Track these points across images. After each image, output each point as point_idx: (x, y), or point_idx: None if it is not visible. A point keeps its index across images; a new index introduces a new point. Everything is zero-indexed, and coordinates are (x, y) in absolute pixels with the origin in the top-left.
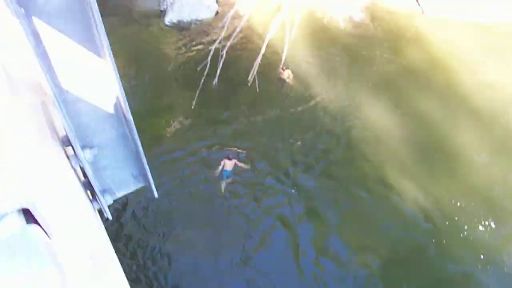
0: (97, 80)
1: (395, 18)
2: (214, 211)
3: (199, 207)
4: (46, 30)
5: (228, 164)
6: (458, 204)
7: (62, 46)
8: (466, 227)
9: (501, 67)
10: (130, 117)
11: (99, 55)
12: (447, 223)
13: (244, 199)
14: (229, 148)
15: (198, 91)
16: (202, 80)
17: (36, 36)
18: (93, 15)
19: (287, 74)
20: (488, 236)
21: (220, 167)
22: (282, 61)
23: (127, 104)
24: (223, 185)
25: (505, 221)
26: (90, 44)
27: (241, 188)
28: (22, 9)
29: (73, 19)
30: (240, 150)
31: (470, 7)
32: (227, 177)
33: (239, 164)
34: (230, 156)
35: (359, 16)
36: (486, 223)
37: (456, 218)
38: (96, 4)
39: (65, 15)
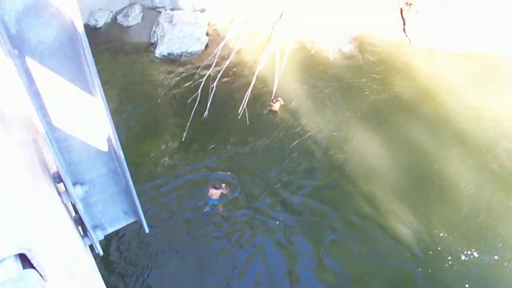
0: (88, 118)
1: (383, 49)
2: (199, 241)
3: (185, 237)
4: (39, 69)
5: (215, 193)
6: (445, 232)
7: (54, 84)
8: (451, 256)
9: (488, 97)
10: (121, 153)
11: (90, 93)
12: (433, 251)
13: (231, 228)
14: (216, 178)
15: (188, 124)
16: (193, 113)
17: (28, 76)
18: (84, 54)
19: (278, 106)
20: (473, 265)
21: (208, 196)
22: (273, 93)
23: (118, 141)
24: (209, 214)
25: (487, 250)
26: (82, 82)
27: (228, 217)
28: (16, 50)
29: (65, 58)
30: (227, 179)
31: (456, 38)
32: (214, 206)
33: (226, 192)
34: (217, 186)
35: (348, 47)
36: (469, 252)
37: (442, 246)
38: (88, 43)
39: (57, 55)
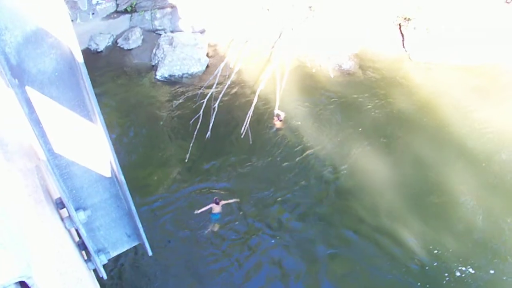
0: (89, 144)
1: (383, 64)
2: (199, 262)
3: (186, 258)
4: (39, 98)
5: (216, 208)
6: (442, 248)
7: (54, 112)
8: (448, 271)
9: (487, 107)
10: (122, 178)
11: (90, 120)
12: (430, 267)
13: (229, 249)
14: (218, 192)
15: (191, 145)
16: (195, 134)
17: (29, 104)
18: (83, 82)
19: (280, 123)
20: (470, 280)
21: (208, 211)
22: (276, 110)
23: (119, 166)
24: (211, 228)
25: (484, 265)
26: (82, 109)
27: (226, 237)
28: (16, 80)
29: (65, 86)
30: (229, 196)
31: (453, 51)
32: (216, 221)
33: (226, 203)
34: (217, 200)
35: (348, 64)
36: (465, 268)
37: (438, 262)
38: (86, 71)
39: (56, 83)
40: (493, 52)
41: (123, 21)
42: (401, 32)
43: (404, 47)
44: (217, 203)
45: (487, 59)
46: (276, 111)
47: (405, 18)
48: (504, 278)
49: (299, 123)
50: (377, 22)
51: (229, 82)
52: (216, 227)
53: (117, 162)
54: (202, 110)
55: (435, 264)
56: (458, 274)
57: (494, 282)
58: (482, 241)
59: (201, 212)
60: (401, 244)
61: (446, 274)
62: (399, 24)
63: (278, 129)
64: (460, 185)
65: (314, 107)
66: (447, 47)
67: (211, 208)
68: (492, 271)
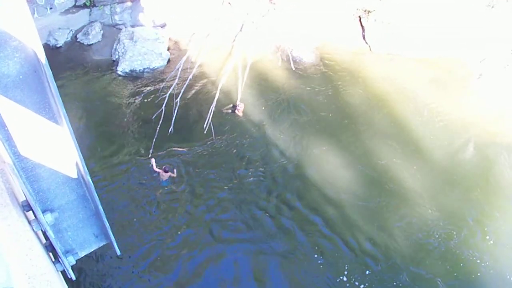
0: (55, 146)
1: (344, 57)
2: (169, 260)
3: (155, 257)
4: (3, 101)
5: (165, 175)
6: (394, 247)
7: (19, 115)
8: (399, 272)
9: (444, 99)
10: (89, 179)
11: (56, 121)
12: (383, 268)
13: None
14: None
15: (154, 141)
16: (158, 129)
17: None
18: (48, 84)
19: (241, 108)
20: (420, 279)
21: (160, 178)
22: (238, 102)
23: (85, 167)
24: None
25: (435, 265)
26: (47, 112)
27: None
28: None
29: (29, 89)
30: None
31: (413, 43)
32: (165, 187)
33: (174, 176)
34: (166, 169)
35: (309, 56)
36: (416, 269)
37: (391, 262)
38: (51, 74)
39: (21, 86)
40: (451, 45)
41: (82, 16)
42: (361, 24)
43: (364, 39)
44: (166, 171)
45: (446, 52)
46: (238, 104)
47: (365, 11)
48: (456, 275)
49: (260, 116)
50: (338, 15)
51: (190, 77)
52: (162, 191)
53: (84, 163)
54: (164, 106)
55: (386, 265)
56: (410, 275)
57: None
58: (437, 239)
59: (153, 168)
60: (357, 242)
61: (398, 276)
62: (359, 17)
63: (239, 122)
64: (414, 180)
65: (275, 100)
66: (407, 40)
67: (159, 174)
68: (434, 276)
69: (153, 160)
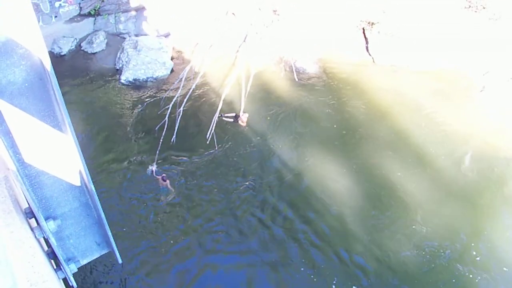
0: (59, 154)
1: (347, 68)
2: (170, 271)
3: (155, 266)
4: (9, 109)
5: (163, 184)
6: (397, 259)
7: (24, 123)
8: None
9: (447, 110)
10: (92, 187)
11: (60, 129)
12: (374, 282)
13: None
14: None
15: (158, 150)
16: (161, 140)
17: None
18: (54, 92)
19: (245, 118)
20: None
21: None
22: (241, 110)
23: (89, 175)
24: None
25: (424, 284)
26: (52, 119)
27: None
28: None
29: (35, 97)
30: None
31: (416, 56)
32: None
33: (169, 188)
34: (164, 178)
35: (313, 68)
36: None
37: (384, 277)
38: (57, 82)
39: (26, 94)
40: (455, 57)
41: (87, 25)
42: (365, 36)
43: (368, 51)
44: (164, 180)
45: (449, 64)
46: (242, 114)
47: (368, 23)
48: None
49: (264, 126)
50: (341, 26)
51: (194, 86)
52: (160, 199)
53: (87, 171)
54: (167, 115)
55: (376, 280)
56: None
57: None
58: (430, 254)
59: (153, 174)
60: (356, 252)
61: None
62: (363, 28)
63: (242, 132)
64: (411, 193)
65: (279, 111)
66: (410, 52)
67: (159, 181)
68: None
69: (153, 167)
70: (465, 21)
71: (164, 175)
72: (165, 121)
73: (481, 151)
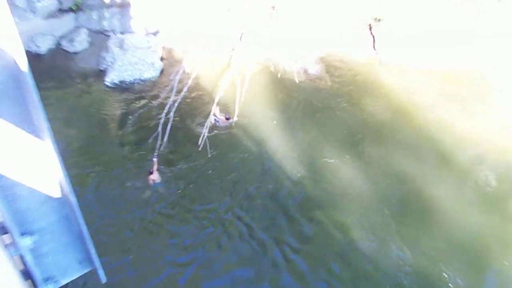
0: (37, 162)
1: (352, 68)
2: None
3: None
4: None
5: (154, 176)
6: (424, 267)
7: None
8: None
9: (462, 112)
10: (73, 198)
11: (38, 136)
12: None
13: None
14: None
15: (155, 157)
16: (148, 144)
17: None
18: (31, 96)
19: (225, 121)
20: None
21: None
22: (235, 114)
23: (70, 185)
24: (157, 190)
25: (468, 278)
26: (28, 125)
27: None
28: None
29: (9, 100)
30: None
31: (426, 55)
32: (159, 186)
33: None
34: (151, 170)
35: (314, 68)
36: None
37: (426, 277)
38: (34, 83)
39: (1, 98)
40: (467, 55)
41: (67, 21)
42: (371, 33)
43: (374, 49)
44: (151, 172)
45: (462, 64)
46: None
47: (375, 19)
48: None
49: (260, 132)
50: (344, 23)
51: (185, 89)
52: (160, 190)
53: (68, 180)
54: (161, 127)
55: (426, 277)
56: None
57: None
58: (463, 255)
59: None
60: (381, 261)
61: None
62: (369, 25)
63: (236, 138)
64: (435, 196)
65: (278, 116)
66: (420, 49)
67: (151, 179)
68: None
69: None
70: (480, 18)
71: (150, 168)
72: (157, 127)
73: (500, 156)
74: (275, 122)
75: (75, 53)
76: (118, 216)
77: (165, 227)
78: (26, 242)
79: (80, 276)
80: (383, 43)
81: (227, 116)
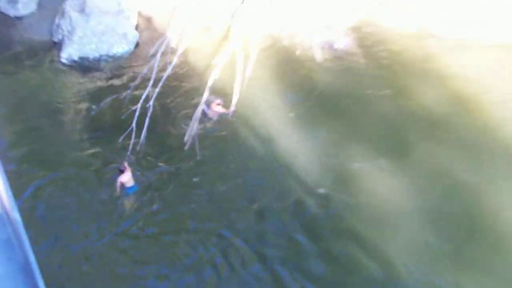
0: None
1: (394, 42)
2: None
3: None
4: None
5: (126, 177)
6: None
7: None
8: None
9: None
10: (16, 216)
11: None
12: None
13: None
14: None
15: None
16: (121, 140)
17: None
18: None
19: (222, 108)
20: None
21: (118, 185)
22: (233, 104)
23: (12, 200)
24: (128, 202)
25: None
26: None
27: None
28: None
29: None
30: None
31: (491, 25)
32: (133, 192)
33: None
34: (122, 168)
35: (343, 42)
36: None
37: None
38: None
39: None
40: None
41: None
42: None
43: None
44: (122, 171)
45: None
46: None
47: None
48: None
49: (270, 128)
50: None
51: (169, 70)
52: (131, 202)
53: (10, 193)
54: (135, 121)
55: None
56: None
57: None
58: None
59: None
60: None
61: None
62: None
63: (236, 132)
64: (508, 217)
65: (294, 106)
66: (482, 21)
67: (122, 184)
68: None
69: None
70: None
71: (119, 164)
72: (131, 120)
73: None
74: (291, 114)
75: (19, 18)
76: (76, 239)
77: (132, 254)
78: None
79: None
80: (437, 11)
81: (218, 102)
